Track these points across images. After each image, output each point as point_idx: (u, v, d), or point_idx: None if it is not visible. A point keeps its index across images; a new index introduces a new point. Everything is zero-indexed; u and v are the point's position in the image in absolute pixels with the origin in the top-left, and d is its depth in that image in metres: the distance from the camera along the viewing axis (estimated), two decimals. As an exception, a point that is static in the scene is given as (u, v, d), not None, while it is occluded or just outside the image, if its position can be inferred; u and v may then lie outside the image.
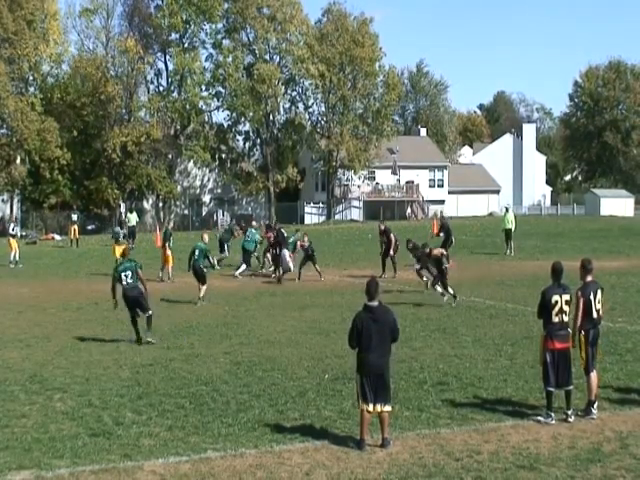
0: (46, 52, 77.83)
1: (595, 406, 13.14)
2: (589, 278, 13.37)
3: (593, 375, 13.24)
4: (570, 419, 12.82)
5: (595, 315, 13.20)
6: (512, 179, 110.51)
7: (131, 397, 14.75)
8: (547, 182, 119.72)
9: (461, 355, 17.78)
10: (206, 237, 28.71)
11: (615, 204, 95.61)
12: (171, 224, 79.71)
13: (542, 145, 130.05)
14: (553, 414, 12.83)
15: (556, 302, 12.89)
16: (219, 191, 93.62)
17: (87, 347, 19.71)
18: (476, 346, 18.78)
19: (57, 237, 64.70)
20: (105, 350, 19.30)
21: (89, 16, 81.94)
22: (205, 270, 27.25)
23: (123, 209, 65.10)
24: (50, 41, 77.69)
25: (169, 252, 33.62)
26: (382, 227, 35.33)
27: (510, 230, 42.36)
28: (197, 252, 27.07)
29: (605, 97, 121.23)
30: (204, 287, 26.69)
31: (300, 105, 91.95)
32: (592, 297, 13.15)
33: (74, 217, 57.88)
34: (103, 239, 64.12)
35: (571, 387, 13.01)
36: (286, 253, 33.18)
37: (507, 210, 44.84)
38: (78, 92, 79.03)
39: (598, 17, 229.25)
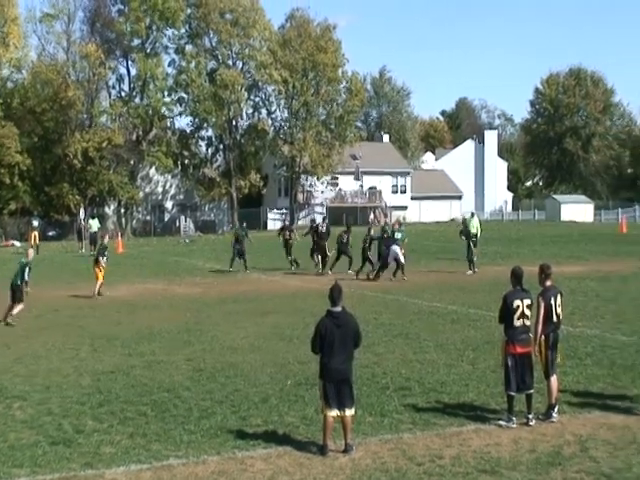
0: (6, 57, 77.29)
1: (556, 410, 13.23)
2: (548, 283, 13.47)
3: (553, 379, 13.33)
4: (531, 423, 12.90)
5: (555, 319, 13.29)
6: (474, 185, 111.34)
7: (92, 405, 14.63)
8: (508, 188, 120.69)
9: (423, 360, 17.82)
10: (31, 253, 26.05)
11: (575, 210, 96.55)
12: (128, 229, 79.72)
13: (503, 151, 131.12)
14: (514, 418, 12.90)
15: (517, 307, 12.96)
16: (181, 197, 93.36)
17: (47, 355, 19.52)
18: (438, 351, 18.83)
19: (17, 244, 64.12)
20: (65, 357, 19.12)
21: (50, 21, 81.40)
22: (26, 288, 24.73)
23: (83, 215, 64.49)
24: (10, 45, 77.10)
25: (100, 269, 30.31)
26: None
27: (475, 235, 42.38)
28: (17, 269, 24.81)
29: (565, 104, 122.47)
30: (20, 306, 24.39)
31: (263, 111, 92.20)
32: (552, 302, 13.24)
33: (34, 223, 57.43)
34: (64, 245, 63.69)
35: (532, 391, 13.08)
36: (397, 249, 33.74)
37: (472, 215, 44.90)
38: (38, 97, 78.43)
39: (559, 24, 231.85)
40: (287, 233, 40.15)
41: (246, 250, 39.08)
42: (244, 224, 44.78)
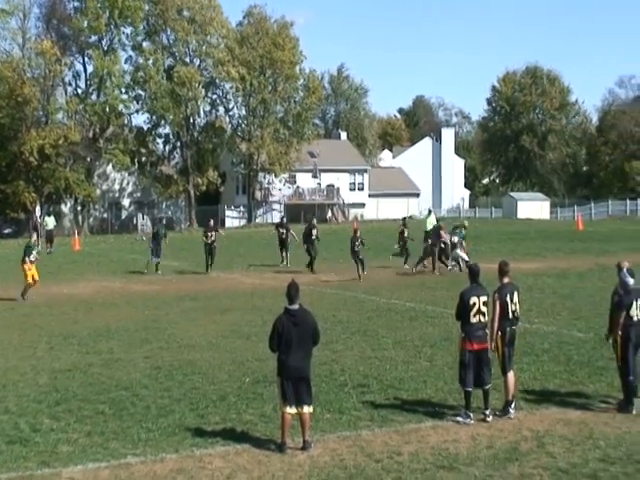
0: (-40, 52, 76.27)
1: (513, 406, 13.33)
2: (506, 280, 13.57)
3: (510, 375, 13.43)
4: (488, 419, 13.00)
5: (511, 316, 13.39)
6: (431, 182, 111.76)
7: (49, 403, 14.52)
8: (465, 185, 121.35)
9: (381, 357, 17.89)
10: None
11: (532, 207, 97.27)
12: (85, 227, 79.06)
13: (461, 149, 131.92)
14: (472, 414, 12.99)
15: (474, 304, 13.05)
16: (139, 194, 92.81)
17: (3, 353, 19.34)
18: (396, 348, 18.90)
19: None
20: (22, 356, 18.96)
21: (5, 17, 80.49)
22: None
23: (39, 212, 63.94)
24: (-37, 42, 76.12)
25: (27, 268, 28.86)
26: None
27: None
28: None
29: (522, 102, 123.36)
30: None
31: (221, 108, 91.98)
32: (509, 298, 13.35)
33: (-11, 221, 56.83)
34: (20, 243, 63.01)
35: (489, 387, 13.18)
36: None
37: (429, 213, 45.02)
38: (-7, 94, 77.52)
39: (516, 22, 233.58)
40: (284, 232, 39.19)
41: (162, 250, 37.34)
42: (164, 222, 43.16)
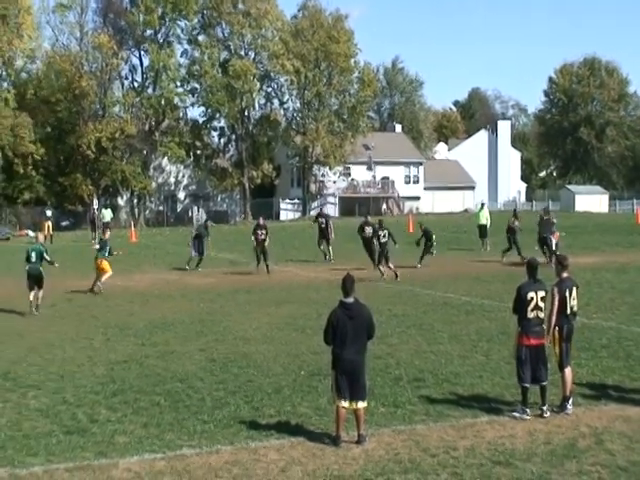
0: (20, 47, 77.37)
1: (570, 402, 13.18)
2: (565, 274, 13.42)
3: (568, 371, 13.28)
4: (545, 415, 12.86)
5: (569, 311, 13.23)
6: (487, 175, 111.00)
7: (106, 394, 14.67)
8: (522, 178, 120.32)
9: (437, 351, 17.80)
10: (41, 237, 26.36)
11: (590, 200, 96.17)
12: (141, 219, 79.73)
13: (517, 141, 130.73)
14: (528, 410, 12.87)
15: (531, 298, 12.92)
16: (194, 187, 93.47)
17: (61, 344, 19.58)
18: (452, 342, 18.80)
19: (31, 233, 64.22)
20: (79, 347, 19.19)
21: (63, 11, 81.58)
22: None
23: (96, 205, 64.62)
24: (24, 36, 77.21)
25: (102, 262, 29.26)
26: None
27: (485, 226, 42.42)
28: (34, 255, 24.49)
29: (580, 93, 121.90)
30: (41, 293, 24.52)
31: (275, 101, 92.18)
32: (567, 294, 13.19)
33: (48, 213, 57.67)
34: (77, 235, 63.86)
35: (546, 382, 13.04)
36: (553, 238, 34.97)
37: (482, 206, 44.88)
38: (52, 87, 78.62)
39: (574, 13, 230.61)
40: (323, 221, 38.75)
41: (205, 249, 36.22)
42: (207, 220, 41.50)
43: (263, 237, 34.07)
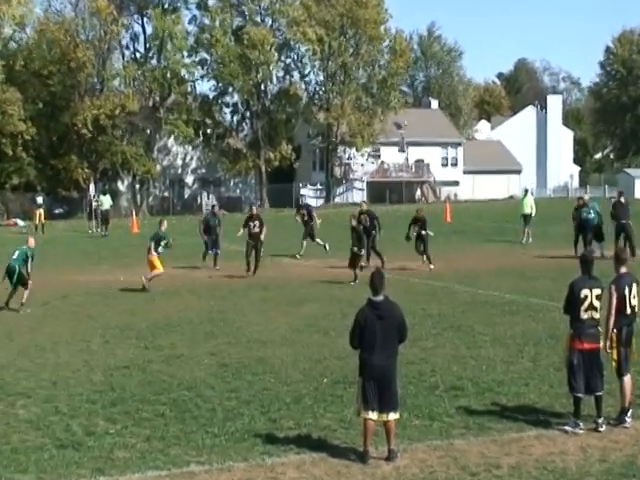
0: (8, 13, 77.74)
1: (629, 414, 13.13)
2: (623, 269, 13.34)
3: (627, 379, 13.23)
4: (601, 428, 12.81)
5: (629, 311, 13.17)
6: (535, 157, 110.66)
7: (104, 404, 14.73)
8: (574, 161, 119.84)
9: (477, 356, 17.78)
10: (32, 242, 26.00)
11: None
12: (144, 207, 79.93)
13: (569, 119, 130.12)
14: (581, 423, 12.83)
15: (585, 297, 12.86)
16: (203, 171, 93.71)
17: (54, 347, 19.68)
18: (495, 346, 18.77)
19: (20, 222, 64.64)
20: (74, 350, 19.29)
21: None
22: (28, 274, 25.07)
23: (93, 191, 64.88)
24: (12, 1, 77.43)
25: (154, 259, 28.94)
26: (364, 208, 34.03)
27: (529, 215, 42.12)
28: (17, 253, 25.06)
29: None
30: (26, 294, 24.87)
31: (295, 74, 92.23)
32: (626, 291, 13.12)
33: (39, 200, 57.90)
34: (72, 225, 64.13)
35: (601, 392, 12.99)
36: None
37: (526, 193, 44.63)
38: (44, 59, 78.90)
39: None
40: (305, 213, 38.75)
41: (220, 242, 35.04)
42: (215, 207, 39.79)
43: (257, 230, 32.65)
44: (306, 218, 38.66)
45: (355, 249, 29.29)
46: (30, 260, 25.08)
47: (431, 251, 32.45)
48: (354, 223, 29.96)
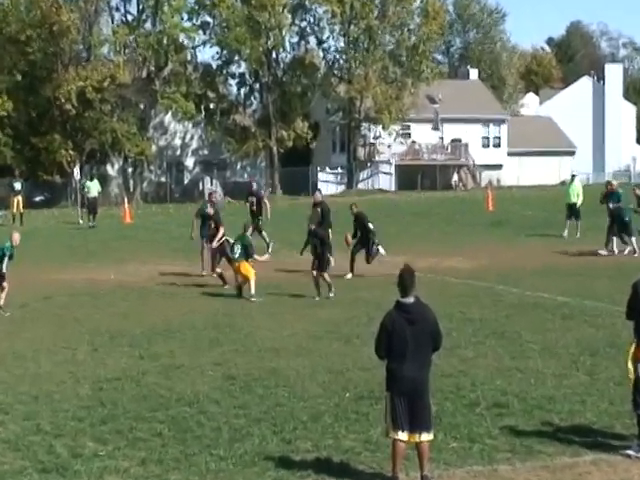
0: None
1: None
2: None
3: (701, 397, 13.19)
4: (670, 453, 12.81)
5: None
6: (592, 136, 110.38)
7: (92, 421, 14.78)
8: (638, 140, 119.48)
9: (525, 368, 17.78)
10: (16, 238, 25.74)
11: None
12: (137, 194, 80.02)
13: (631, 92, 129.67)
14: (647, 446, 12.82)
15: (652, 299, 12.85)
16: (206, 152, 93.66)
17: (35, 356, 19.76)
18: (544, 356, 18.77)
19: (-3, 212, 64.85)
20: (58, 360, 19.35)
21: None
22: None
23: (78, 175, 64.70)
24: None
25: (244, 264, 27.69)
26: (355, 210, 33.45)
27: (575, 205, 41.67)
28: None
29: None
30: (3, 294, 25.08)
31: (312, 39, 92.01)
32: None
33: (17, 186, 57.92)
34: (55, 214, 64.30)
35: (670, 411, 12.98)
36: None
37: (572, 179, 44.17)
38: (22, 22, 78.94)
39: None
40: (253, 200, 36.75)
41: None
42: (214, 194, 37.56)
43: (254, 208, 32.60)
44: (254, 207, 36.67)
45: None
46: (8, 259, 25.02)
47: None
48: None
